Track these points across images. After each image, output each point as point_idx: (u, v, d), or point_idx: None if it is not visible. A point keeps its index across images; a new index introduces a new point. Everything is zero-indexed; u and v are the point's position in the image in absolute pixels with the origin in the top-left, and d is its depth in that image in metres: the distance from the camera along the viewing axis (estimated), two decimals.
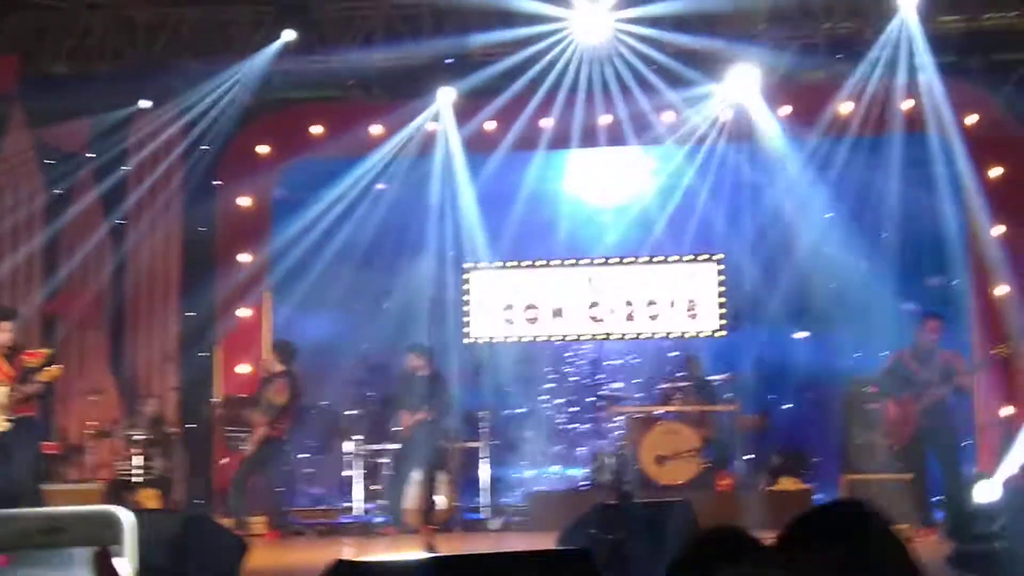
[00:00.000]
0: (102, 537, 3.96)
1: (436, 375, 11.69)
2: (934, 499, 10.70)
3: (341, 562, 4.30)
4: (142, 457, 12.15)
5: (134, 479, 12.07)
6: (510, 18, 12.51)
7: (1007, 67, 12.13)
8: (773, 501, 11.11)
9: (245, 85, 12.76)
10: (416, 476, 11.65)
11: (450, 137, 13.15)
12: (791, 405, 12.97)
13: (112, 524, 4.14)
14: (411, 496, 11.66)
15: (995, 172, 12.20)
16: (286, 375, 11.80)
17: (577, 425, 13.62)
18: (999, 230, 12.10)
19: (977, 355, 11.75)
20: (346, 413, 12.90)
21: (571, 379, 13.84)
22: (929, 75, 11.82)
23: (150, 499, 11.92)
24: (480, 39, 12.46)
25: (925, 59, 11.70)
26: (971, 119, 12.11)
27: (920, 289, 12.75)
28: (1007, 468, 10.29)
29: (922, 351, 10.40)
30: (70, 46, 13.02)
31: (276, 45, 12.47)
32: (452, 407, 12.24)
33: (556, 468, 13.56)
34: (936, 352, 10.41)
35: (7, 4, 12.83)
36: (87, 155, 13.32)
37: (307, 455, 12.99)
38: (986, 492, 9.92)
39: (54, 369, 9.69)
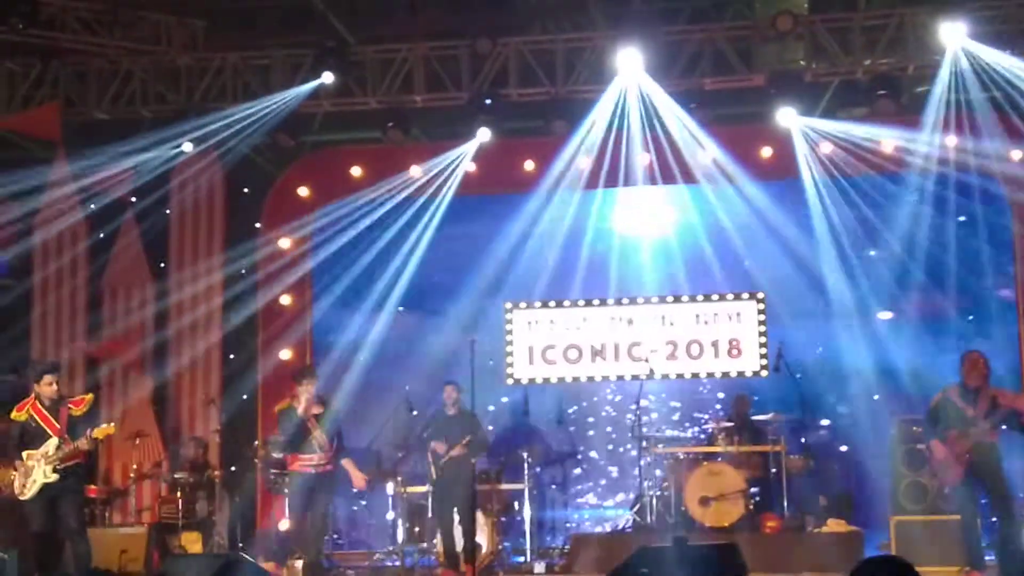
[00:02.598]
0: None
1: (466, 412, 11.52)
2: (986, 540, 10.49)
3: None
4: (185, 500, 12.14)
5: (177, 522, 12.05)
6: (547, 58, 12.60)
7: None
8: (822, 543, 10.93)
9: (285, 128, 12.83)
10: (458, 517, 11.53)
11: (489, 177, 13.15)
12: (838, 445, 12.81)
13: None
14: (455, 538, 11.55)
15: None
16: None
17: (620, 466, 13.54)
18: None
19: None
20: (388, 454, 12.85)
21: (613, 420, 13.77)
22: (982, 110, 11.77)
23: (193, 542, 11.90)
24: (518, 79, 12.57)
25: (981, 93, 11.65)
26: (1017, 153, 12.00)
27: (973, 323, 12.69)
28: None
29: (968, 388, 10.22)
30: (112, 92, 13.19)
31: (313, 86, 12.55)
32: (485, 444, 12.03)
33: (599, 510, 13.45)
34: (982, 388, 10.22)
35: (48, 51, 12.99)
36: (130, 199, 13.44)
37: (350, 497, 12.95)
38: None
39: (108, 427, 9.76)
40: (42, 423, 9.56)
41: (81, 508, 9.98)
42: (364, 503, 13.26)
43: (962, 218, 12.64)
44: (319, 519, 10.64)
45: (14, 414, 9.77)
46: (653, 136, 12.70)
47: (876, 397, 12.58)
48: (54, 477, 9.44)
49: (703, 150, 12.80)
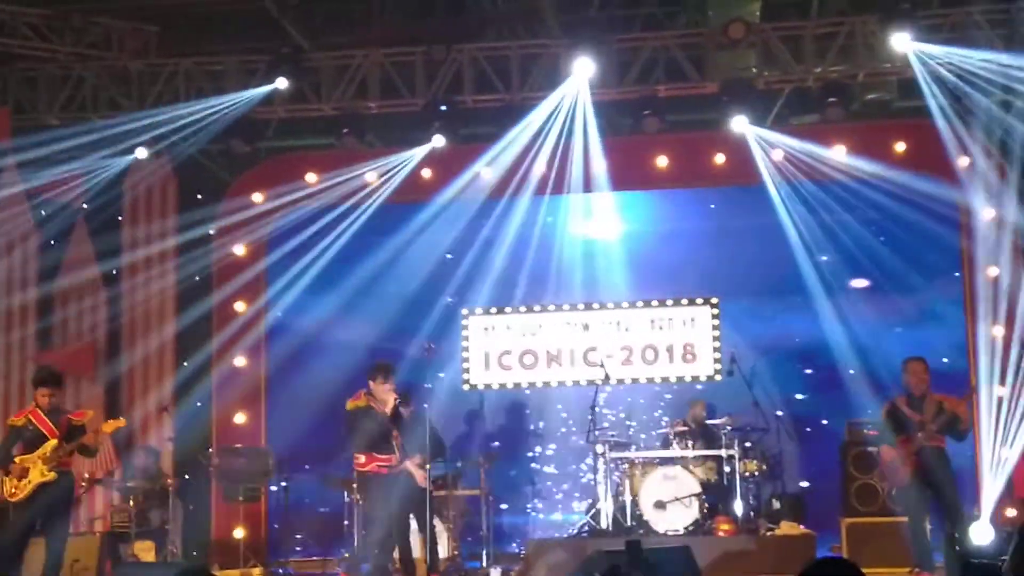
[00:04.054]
0: None
1: (421, 418, 11.43)
2: (935, 542, 10.63)
3: None
4: (138, 508, 12.04)
5: (130, 531, 11.94)
6: (502, 65, 12.64)
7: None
8: (774, 546, 11.05)
9: (239, 133, 12.79)
10: (414, 524, 11.50)
11: (445, 183, 13.16)
12: (791, 449, 12.92)
13: None
14: (413, 545, 11.52)
15: (989, 213, 12.21)
16: None
17: (576, 471, 13.60)
18: (994, 271, 12.14)
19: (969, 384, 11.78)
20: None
21: (569, 425, 13.82)
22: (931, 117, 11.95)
23: (146, 551, 11.79)
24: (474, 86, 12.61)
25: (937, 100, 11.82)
26: (964, 160, 12.17)
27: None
28: (992, 508, 10.32)
29: (913, 395, 10.37)
30: (63, 97, 13.08)
31: (267, 91, 12.53)
32: (439, 451, 11.95)
33: (555, 515, 13.50)
34: (927, 395, 10.38)
35: None
36: (81, 205, 13.32)
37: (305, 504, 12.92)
38: (982, 534, 9.89)
39: (115, 421, 10.00)
40: (40, 427, 9.69)
41: (69, 515, 10.12)
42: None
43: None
44: (399, 523, 10.32)
45: (11, 420, 9.97)
46: (612, 141, 12.82)
47: (852, 371, 12.67)
48: (51, 476, 9.53)
49: (660, 155, 12.96)
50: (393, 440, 10.21)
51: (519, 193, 12.92)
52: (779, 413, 13.00)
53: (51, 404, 9.80)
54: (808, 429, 13.41)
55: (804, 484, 13.17)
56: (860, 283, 13.42)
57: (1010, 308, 11.88)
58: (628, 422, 13.74)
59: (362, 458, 10.23)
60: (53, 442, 9.60)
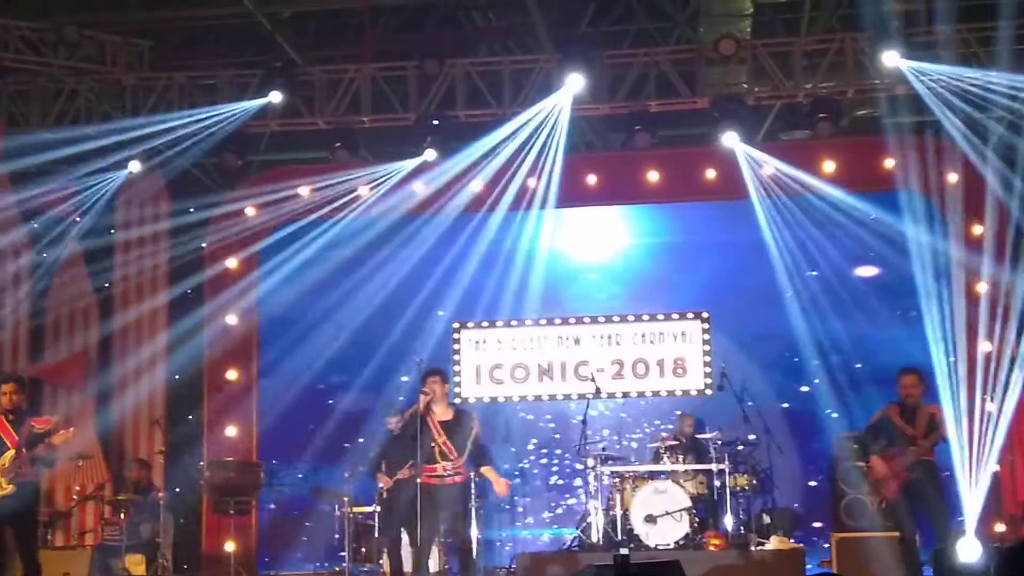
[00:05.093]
0: None
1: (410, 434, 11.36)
2: (924, 556, 10.68)
3: None
4: (128, 522, 12.01)
5: (121, 544, 11.92)
6: (494, 79, 12.70)
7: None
8: (764, 560, 11.07)
9: (232, 147, 12.83)
10: (406, 538, 11.51)
11: (437, 197, 13.19)
12: (781, 463, 12.95)
13: None
14: (402, 558, 11.54)
15: (977, 229, 12.28)
16: None
17: (566, 485, 13.61)
18: (983, 287, 12.20)
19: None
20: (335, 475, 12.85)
21: (559, 438, 13.85)
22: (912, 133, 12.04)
23: (137, 564, 11.76)
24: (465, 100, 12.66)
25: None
26: (952, 177, 12.25)
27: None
28: (976, 523, 10.39)
29: (906, 407, 10.43)
30: (57, 111, 13.11)
31: (260, 104, 12.57)
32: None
33: (546, 529, 13.51)
34: (919, 406, 10.44)
35: None
36: (74, 218, 13.34)
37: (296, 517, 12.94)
38: (970, 549, 9.93)
39: (65, 433, 9.76)
40: (2, 435, 9.56)
41: (36, 527, 10.04)
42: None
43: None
44: (456, 535, 10.08)
45: None
46: (596, 157, 12.86)
47: (858, 366, 12.71)
48: (10, 489, 9.42)
49: (650, 170, 13.02)
50: (436, 446, 9.89)
51: (511, 207, 12.98)
52: (784, 406, 13.01)
53: (13, 404, 9.64)
54: (799, 442, 13.43)
55: (811, 484, 13.20)
56: (863, 271, 13.44)
57: (992, 321, 11.95)
58: (619, 435, 13.77)
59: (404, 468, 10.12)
60: (11, 452, 9.46)
